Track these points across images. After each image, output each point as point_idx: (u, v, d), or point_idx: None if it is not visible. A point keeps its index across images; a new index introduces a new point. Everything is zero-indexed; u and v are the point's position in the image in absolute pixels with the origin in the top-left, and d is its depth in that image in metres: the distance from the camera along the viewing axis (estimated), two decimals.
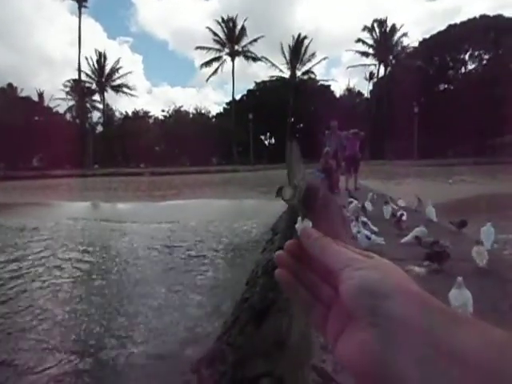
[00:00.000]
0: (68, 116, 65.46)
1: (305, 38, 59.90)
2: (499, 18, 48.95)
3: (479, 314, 2.09)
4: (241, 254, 9.82)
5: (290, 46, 60.19)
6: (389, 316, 0.36)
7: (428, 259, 3.24)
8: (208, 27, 60.26)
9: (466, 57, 52.66)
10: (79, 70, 59.28)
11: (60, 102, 63.82)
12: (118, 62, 63.39)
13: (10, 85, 62.45)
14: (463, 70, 53.62)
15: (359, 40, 58.01)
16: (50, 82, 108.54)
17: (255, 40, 60.32)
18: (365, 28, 57.66)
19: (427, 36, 55.19)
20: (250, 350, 2.97)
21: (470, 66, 53.31)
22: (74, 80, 61.32)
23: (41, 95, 63.85)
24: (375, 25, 57.84)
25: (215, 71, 61.10)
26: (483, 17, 49.79)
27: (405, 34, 56.65)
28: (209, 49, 60.34)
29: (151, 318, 5.69)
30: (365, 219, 5.08)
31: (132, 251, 10.28)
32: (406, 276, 0.41)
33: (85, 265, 9.08)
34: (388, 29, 57.15)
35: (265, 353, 2.64)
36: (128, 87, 63.74)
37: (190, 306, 6.14)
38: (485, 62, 51.61)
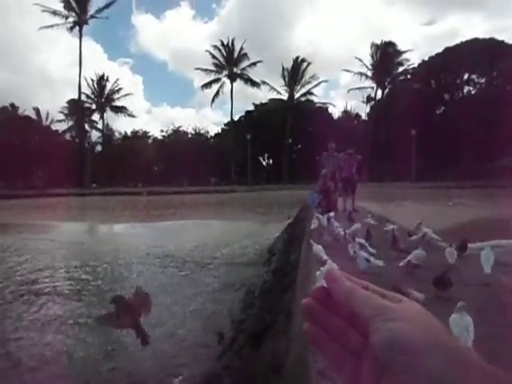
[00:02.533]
0: (67, 135, 65.97)
1: (303, 60, 60.82)
2: (492, 41, 49.79)
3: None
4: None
5: (288, 68, 61.07)
6: (424, 374, 0.35)
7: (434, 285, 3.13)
8: (208, 51, 61.27)
9: (463, 80, 53.38)
10: (79, 91, 59.90)
11: (60, 121, 64.39)
12: (116, 82, 64.41)
13: (12, 105, 62.98)
14: (460, 93, 54.28)
15: (358, 60, 59.04)
16: (50, 102, 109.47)
17: (254, 64, 61.34)
18: (364, 50, 58.87)
19: (426, 59, 56.05)
20: (247, 373, 2.91)
21: (466, 89, 54.03)
22: (74, 100, 61.83)
23: (38, 113, 64.27)
24: (373, 47, 58.93)
25: (217, 93, 61.83)
26: (477, 40, 50.56)
27: (403, 58, 57.65)
28: (208, 71, 61.23)
29: None
30: (362, 241, 5.04)
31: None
32: (439, 325, 0.40)
33: None
34: (386, 52, 58.07)
35: (262, 376, 2.59)
36: (127, 109, 64.42)
37: None
38: (480, 85, 52.31)
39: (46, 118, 64.87)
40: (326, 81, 66.10)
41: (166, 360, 4.71)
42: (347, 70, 61.61)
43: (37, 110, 64.59)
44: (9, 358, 5.18)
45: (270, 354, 2.80)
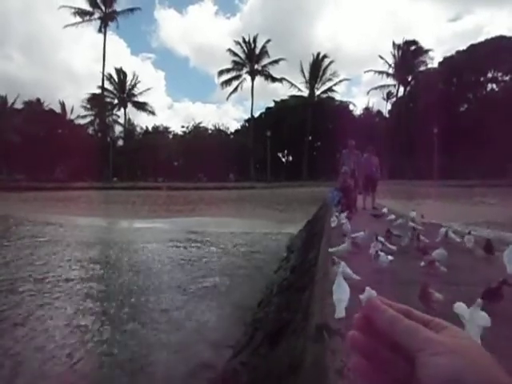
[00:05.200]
0: (90, 129, 66.86)
1: (324, 57, 60.29)
2: None
3: None
4: None
5: (309, 64, 60.63)
6: None
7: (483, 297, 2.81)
8: (229, 49, 61.37)
9: (486, 78, 52.16)
10: (102, 86, 60.58)
11: (82, 115, 65.30)
12: (137, 77, 65.20)
13: (38, 99, 64.20)
14: (483, 91, 53.09)
15: (381, 58, 58.31)
16: (74, 96, 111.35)
17: (276, 61, 61.16)
18: (387, 46, 58.32)
19: (449, 55, 54.91)
20: (265, 371, 2.91)
21: (490, 87, 52.80)
22: (97, 95, 62.60)
23: (63, 106, 65.36)
24: (395, 45, 58.12)
25: (235, 89, 61.97)
26: (503, 38, 49.28)
27: (426, 55, 56.71)
28: (229, 70, 61.35)
29: None
30: (382, 239, 5.00)
31: None
32: (488, 357, 0.38)
33: None
34: (409, 49, 57.21)
35: (279, 375, 2.58)
36: (147, 104, 65.03)
37: None
38: (505, 83, 51.01)
39: (71, 112, 65.99)
40: (348, 79, 65.79)
41: None
42: (369, 71, 60.83)
43: (62, 104, 65.75)
44: None
45: (288, 352, 2.79)
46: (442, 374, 0.35)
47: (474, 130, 44.57)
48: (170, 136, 74.04)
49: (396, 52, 57.97)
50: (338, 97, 63.68)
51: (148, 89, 65.65)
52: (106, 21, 58.02)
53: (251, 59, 60.97)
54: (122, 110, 64.92)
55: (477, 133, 44.14)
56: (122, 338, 5.81)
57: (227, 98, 64.77)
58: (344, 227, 6.32)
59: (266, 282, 8.00)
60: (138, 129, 72.14)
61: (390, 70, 58.19)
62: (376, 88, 60.23)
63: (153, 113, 65.93)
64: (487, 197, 24.03)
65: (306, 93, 61.77)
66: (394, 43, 58.31)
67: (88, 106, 64.27)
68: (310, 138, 61.43)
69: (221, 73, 61.81)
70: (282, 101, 65.32)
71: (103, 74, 59.60)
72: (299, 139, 59.17)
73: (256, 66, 61.25)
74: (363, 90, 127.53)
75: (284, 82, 61.77)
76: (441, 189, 30.87)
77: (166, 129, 74.49)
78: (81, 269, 10.15)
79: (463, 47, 53.27)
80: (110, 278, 9.49)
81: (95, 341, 5.67)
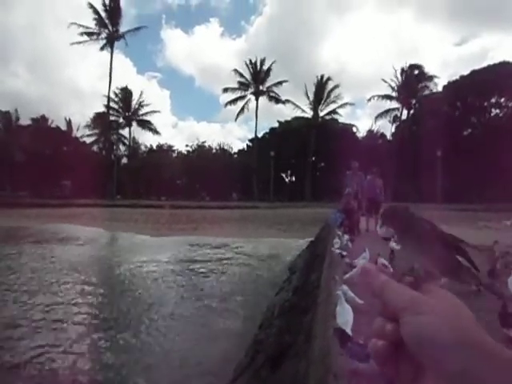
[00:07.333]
0: (95, 147, 67.28)
1: (328, 79, 60.84)
2: None
3: None
4: None
5: (313, 86, 61.16)
6: (449, 368, 0.35)
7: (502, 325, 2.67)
8: (235, 69, 62.21)
9: (490, 103, 52.39)
10: (108, 105, 61.07)
11: (88, 133, 65.76)
12: (142, 97, 65.85)
13: (43, 116, 64.83)
14: (487, 116, 53.24)
15: (384, 81, 58.73)
16: (80, 113, 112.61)
17: (280, 83, 62.01)
18: (393, 69, 58.97)
19: (453, 80, 55.09)
20: None
21: (493, 112, 52.93)
22: (102, 113, 63.17)
23: (69, 124, 65.89)
24: (399, 70, 58.68)
25: (242, 110, 62.42)
26: (507, 64, 49.58)
27: (430, 79, 57.12)
28: (234, 89, 62.06)
29: None
30: (385, 262, 4.96)
31: None
32: (470, 318, 0.40)
33: None
34: (413, 73, 57.70)
35: None
36: (151, 123, 65.72)
37: None
38: (508, 109, 51.17)
39: (77, 130, 66.50)
40: (352, 104, 66.18)
41: None
42: (372, 97, 60.57)
43: (68, 122, 66.31)
44: None
45: (289, 376, 2.74)
46: (421, 332, 0.38)
47: (477, 155, 44.65)
48: (174, 154, 74.33)
49: (400, 75, 58.48)
50: (341, 119, 63.97)
51: (154, 111, 66.47)
52: (112, 40, 58.89)
53: (256, 80, 61.72)
54: (127, 128, 65.53)
55: (480, 157, 44.20)
56: (116, 357, 5.73)
57: (235, 119, 65.03)
58: (334, 252, 6.29)
59: (267, 304, 7.92)
60: (143, 147, 72.50)
61: (394, 94, 58.58)
62: (381, 115, 60.23)
63: (157, 132, 66.55)
64: (492, 221, 23.81)
65: (310, 114, 62.28)
66: (395, 67, 58.93)
67: (93, 124, 64.95)
68: (314, 159, 61.69)
69: (225, 90, 62.56)
70: (287, 122, 65.75)
71: (109, 92, 60.23)
72: (302, 160, 59.44)
73: (261, 87, 61.98)
74: (368, 112, 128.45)
75: (288, 103, 62.51)
76: (445, 212, 30.68)
77: (170, 147, 74.82)
78: (74, 291, 10.07)
79: (468, 71, 53.48)
80: (105, 298, 9.41)
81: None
